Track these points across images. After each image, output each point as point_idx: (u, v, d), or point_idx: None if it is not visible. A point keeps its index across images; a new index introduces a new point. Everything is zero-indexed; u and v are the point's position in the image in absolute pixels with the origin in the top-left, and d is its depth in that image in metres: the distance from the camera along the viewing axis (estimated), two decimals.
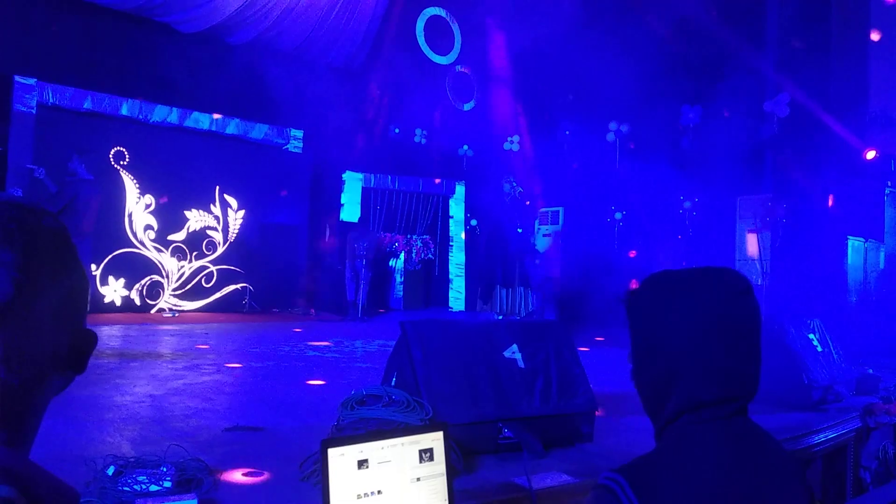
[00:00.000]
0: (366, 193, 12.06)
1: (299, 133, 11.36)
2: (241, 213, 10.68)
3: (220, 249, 10.45)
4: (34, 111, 8.71)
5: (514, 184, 8.00)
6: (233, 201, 10.59)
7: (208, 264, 10.30)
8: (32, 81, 8.73)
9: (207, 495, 2.13)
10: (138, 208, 9.73)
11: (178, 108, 10.02)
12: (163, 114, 9.88)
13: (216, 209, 10.45)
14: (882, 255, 8.48)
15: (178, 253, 10.01)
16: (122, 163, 9.52)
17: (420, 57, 12.68)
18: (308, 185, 11.44)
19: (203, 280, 10.23)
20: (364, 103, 11.85)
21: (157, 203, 9.82)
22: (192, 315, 9.58)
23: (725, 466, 1.02)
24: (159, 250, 9.86)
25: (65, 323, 0.70)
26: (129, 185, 9.65)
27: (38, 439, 0.77)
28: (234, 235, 10.60)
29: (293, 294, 11.07)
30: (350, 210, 11.79)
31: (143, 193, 9.75)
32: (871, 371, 4.77)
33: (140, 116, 9.71)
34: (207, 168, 10.27)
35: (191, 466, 2.26)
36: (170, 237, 9.98)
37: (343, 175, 11.75)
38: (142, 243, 9.71)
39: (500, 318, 7.46)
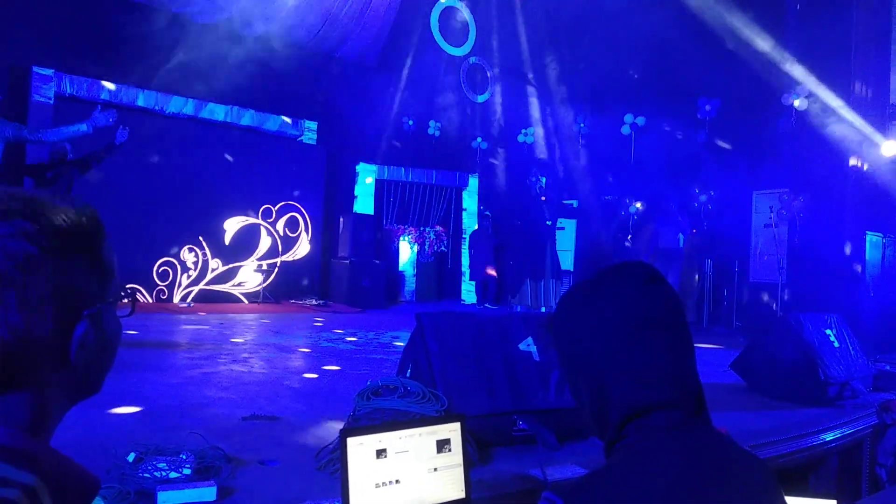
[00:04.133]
0: (379, 185, 12.07)
1: (313, 125, 11.39)
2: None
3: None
4: (52, 101, 8.79)
5: (541, 177, 7.97)
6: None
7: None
8: (50, 72, 8.80)
9: (226, 482, 2.15)
10: None
11: (194, 100, 10.08)
12: (178, 105, 9.94)
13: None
14: None
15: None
16: None
17: (434, 48, 12.65)
18: (322, 176, 11.46)
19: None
20: (378, 95, 11.85)
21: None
22: (207, 306, 9.65)
23: (675, 485, 0.91)
24: None
25: (59, 305, 0.71)
26: None
27: (58, 426, 0.78)
28: None
29: (308, 285, 11.12)
30: (364, 202, 11.82)
31: None
32: (888, 367, 4.74)
33: (156, 107, 9.77)
34: (222, 159, 10.31)
35: (209, 454, 2.28)
36: None
37: (357, 167, 11.77)
38: None
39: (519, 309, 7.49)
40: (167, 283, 9.74)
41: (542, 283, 7.91)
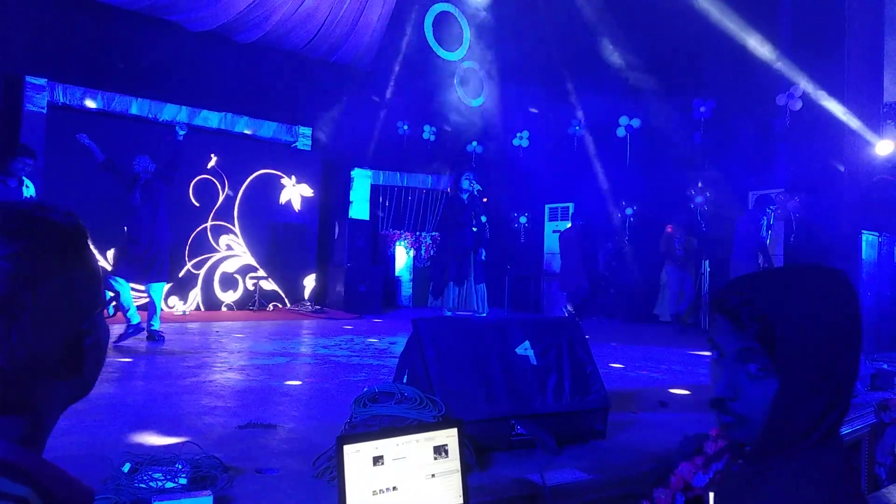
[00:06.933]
0: (374, 190, 12.06)
1: (308, 130, 11.37)
2: None
3: None
4: (45, 111, 8.76)
5: (473, 181, 7.93)
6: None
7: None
8: (43, 81, 8.78)
9: (222, 492, 2.13)
10: None
11: (188, 107, 10.06)
12: (172, 112, 9.91)
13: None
14: None
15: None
16: None
17: (429, 53, 12.66)
18: (317, 182, 11.44)
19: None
20: (372, 100, 11.85)
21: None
22: (201, 313, 9.62)
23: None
24: None
25: (59, 320, 0.71)
26: None
27: (53, 436, 0.77)
28: None
29: (303, 292, 11.09)
30: (359, 207, 11.81)
31: None
32: (886, 367, 4.73)
33: (150, 115, 9.74)
34: (216, 166, 10.28)
35: (205, 464, 2.26)
36: None
37: (352, 172, 11.76)
38: None
39: (449, 314, 7.46)
40: None
41: (466, 287, 7.88)
